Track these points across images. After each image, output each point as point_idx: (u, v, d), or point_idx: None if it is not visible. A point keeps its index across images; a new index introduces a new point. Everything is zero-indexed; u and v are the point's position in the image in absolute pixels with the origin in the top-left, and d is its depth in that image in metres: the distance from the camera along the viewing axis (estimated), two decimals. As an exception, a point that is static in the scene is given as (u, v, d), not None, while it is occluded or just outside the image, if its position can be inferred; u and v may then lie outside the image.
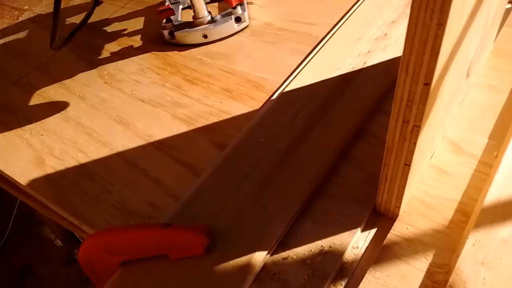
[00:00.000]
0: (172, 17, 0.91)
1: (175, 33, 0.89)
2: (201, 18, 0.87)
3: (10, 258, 2.00)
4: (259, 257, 0.52)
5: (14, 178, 0.72)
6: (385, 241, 0.52)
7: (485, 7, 0.49)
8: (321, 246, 0.53)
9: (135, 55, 0.91)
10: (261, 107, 0.72)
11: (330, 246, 0.53)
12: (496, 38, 0.74)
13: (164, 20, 0.90)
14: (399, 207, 0.53)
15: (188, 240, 0.53)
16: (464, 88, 0.61)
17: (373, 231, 0.55)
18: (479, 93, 0.66)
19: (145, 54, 0.91)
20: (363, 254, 0.53)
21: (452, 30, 0.38)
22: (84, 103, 0.83)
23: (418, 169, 0.54)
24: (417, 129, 0.43)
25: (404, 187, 0.50)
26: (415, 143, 0.45)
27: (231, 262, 0.52)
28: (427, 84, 0.39)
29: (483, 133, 0.61)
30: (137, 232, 0.53)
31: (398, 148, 0.46)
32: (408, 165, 0.47)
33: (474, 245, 0.48)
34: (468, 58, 0.54)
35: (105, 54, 0.94)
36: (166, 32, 0.90)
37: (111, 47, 0.96)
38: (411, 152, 0.46)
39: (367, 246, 0.54)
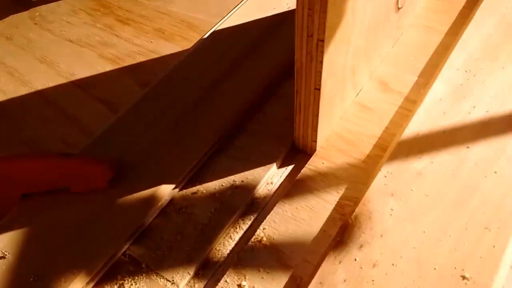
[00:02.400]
0: (109, -43, 0.85)
1: (111, -27, 0.84)
2: (138, -43, 0.82)
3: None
4: (165, 190, 0.49)
5: None
6: (298, 176, 0.50)
7: None
8: (233, 181, 0.50)
9: (69, -3, 0.86)
10: (191, 47, 0.68)
11: (242, 181, 0.50)
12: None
13: (101, -40, 0.85)
14: (315, 141, 0.50)
15: (90, 171, 0.49)
16: (395, 23, 0.58)
17: (290, 167, 0.52)
18: (415, 34, 0.63)
19: (80, -4, 0.86)
20: (276, 190, 0.50)
21: None
22: (11, 44, 0.78)
23: (337, 103, 0.51)
24: (321, 44, 0.40)
25: (317, 116, 0.47)
26: (321, 62, 0.42)
27: (135, 195, 0.49)
28: (325, -12, 0.36)
29: (413, 71, 0.58)
30: (37, 160, 0.49)
31: (306, 69, 0.43)
32: (317, 89, 0.44)
33: (385, 176, 0.46)
34: (394, -15, 0.51)
35: (39, -5, 0.89)
36: (102, -27, 0.85)
37: (45, -11, 0.90)
38: (319, 74, 0.43)
39: (282, 182, 0.51)
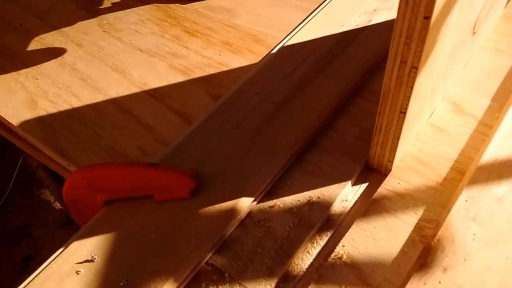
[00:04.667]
0: (176, -31, 0.88)
1: (178, -15, 0.87)
2: (206, -30, 0.85)
3: (8, 219, 2.01)
4: (245, 203, 0.51)
5: (6, 118, 0.71)
6: (375, 195, 0.51)
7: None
8: (310, 196, 0.52)
9: (136, 6, 0.89)
10: (260, 61, 0.70)
11: (318, 197, 0.52)
12: (507, 4, 0.71)
13: (168, -28, 0.88)
14: (392, 161, 0.51)
15: (173, 181, 0.52)
16: (469, 46, 0.58)
17: (364, 185, 0.54)
18: (486, 56, 0.64)
19: (146, 6, 0.89)
20: (351, 207, 0.52)
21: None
22: (81, 50, 0.82)
23: (415, 124, 0.52)
24: (414, 70, 0.41)
25: (398, 138, 0.48)
26: (412, 87, 0.43)
27: (216, 206, 0.51)
28: (427, 17, 0.37)
29: (485, 95, 0.59)
30: (122, 169, 0.52)
31: (394, 93, 0.45)
32: (403, 113, 0.45)
33: (466, 201, 0.46)
34: (475, 11, 0.52)
35: (106, 4, 0.92)
36: (169, -16, 0.88)
37: (113, -2, 0.93)
38: (407, 98, 0.44)
39: (357, 200, 0.52)
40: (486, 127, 0.55)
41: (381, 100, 0.46)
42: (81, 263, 0.48)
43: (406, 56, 0.41)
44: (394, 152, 0.50)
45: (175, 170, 0.52)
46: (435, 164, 0.52)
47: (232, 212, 0.50)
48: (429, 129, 0.56)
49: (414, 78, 0.42)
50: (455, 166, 0.52)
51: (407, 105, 0.44)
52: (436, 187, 0.50)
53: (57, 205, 2.07)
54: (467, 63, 0.63)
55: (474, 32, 0.57)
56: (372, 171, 0.55)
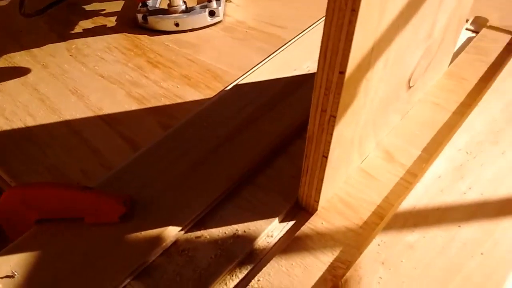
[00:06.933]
0: (149, 2, 0.92)
1: (148, 17, 0.90)
2: (175, 6, 0.89)
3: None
4: (172, 232, 0.52)
5: (-42, 131, 0.72)
6: (298, 233, 0.52)
7: (424, 20, 0.51)
8: (236, 230, 0.54)
9: (106, 34, 0.92)
10: (213, 96, 0.73)
11: (244, 231, 0.53)
12: (453, 61, 0.75)
13: (140, 4, 0.91)
14: (317, 202, 0.54)
15: (104, 205, 0.53)
16: (406, 99, 0.62)
17: (291, 223, 0.55)
18: (424, 109, 0.67)
19: (116, 34, 0.92)
20: (275, 243, 0.53)
21: (370, 23, 0.39)
22: (45, 71, 0.84)
23: (342, 169, 0.55)
24: (333, 119, 0.44)
25: (322, 180, 0.50)
26: (331, 134, 0.45)
27: (142, 233, 0.52)
28: (342, 72, 0.40)
29: (417, 145, 0.62)
30: (55, 189, 0.53)
31: (317, 138, 0.47)
32: (325, 157, 0.48)
33: (379, 245, 0.48)
34: (407, 67, 0.55)
35: (77, 29, 0.95)
36: (140, 16, 0.91)
37: (85, 24, 0.97)
38: (328, 143, 0.46)
39: (282, 236, 0.54)
40: (412, 176, 0.57)
41: (307, 143, 0.49)
42: (2, 278, 0.49)
43: (326, 106, 0.44)
44: (319, 193, 0.52)
45: (107, 195, 0.54)
46: (358, 207, 0.54)
47: (158, 239, 0.52)
48: (359, 174, 0.58)
49: (333, 126, 0.45)
50: (377, 210, 0.54)
51: (328, 150, 0.47)
52: (356, 229, 0.52)
53: None
54: (405, 114, 0.66)
55: (410, 86, 0.61)
56: (301, 210, 0.56)
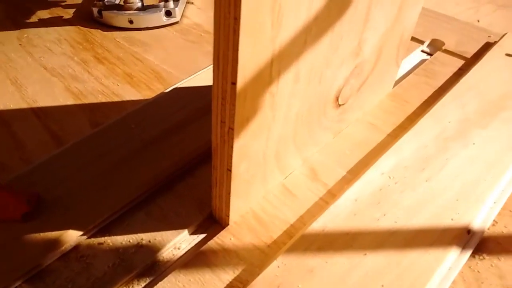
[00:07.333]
0: (106, -3, 0.90)
1: (103, 12, 0.88)
2: (131, 3, 0.87)
3: None
4: (72, 236, 0.50)
5: None
6: (203, 247, 0.51)
7: (344, 37, 0.49)
8: (141, 239, 0.52)
9: (60, 26, 0.90)
10: (150, 98, 0.71)
11: (149, 241, 0.51)
12: (399, 83, 0.74)
13: (97, -2, 0.89)
14: (228, 216, 0.52)
15: (5, 202, 0.51)
16: (335, 118, 0.60)
17: (202, 236, 0.53)
18: (359, 129, 0.66)
19: (70, 27, 0.90)
20: (181, 256, 0.51)
21: (261, 34, 0.37)
22: (-10, 59, 0.82)
23: (256, 184, 0.53)
24: (231, 131, 0.42)
25: (229, 194, 0.49)
26: (232, 147, 0.44)
27: (41, 234, 0.50)
28: (234, 83, 0.39)
29: (344, 166, 0.60)
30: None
31: (220, 150, 0.46)
32: (229, 170, 0.46)
33: (278, 267, 0.47)
34: (331, 84, 0.54)
35: (33, 19, 0.93)
36: (95, 10, 0.89)
37: (42, 14, 0.95)
38: (230, 157, 0.45)
39: (190, 249, 0.52)
40: (331, 196, 0.56)
41: (213, 155, 0.47)
42: None
43: (224, 117, 0.42)
44: (228, 207, 0.51)
45: (10, 192, 0.52)
46: (270, 225, 0.53)
47: (56, 242, 0.50)
48: (279, 190, 0.57)
49: (232, 138, 0.43)
50: (288, 230, 0.52)
51: (231, 163, 0.45)
52: (263, 248, 0.51)
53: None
54: (338, 133, 0.64)
55: (340, 105, 0.59)
56: (215, 223, 0.55)
